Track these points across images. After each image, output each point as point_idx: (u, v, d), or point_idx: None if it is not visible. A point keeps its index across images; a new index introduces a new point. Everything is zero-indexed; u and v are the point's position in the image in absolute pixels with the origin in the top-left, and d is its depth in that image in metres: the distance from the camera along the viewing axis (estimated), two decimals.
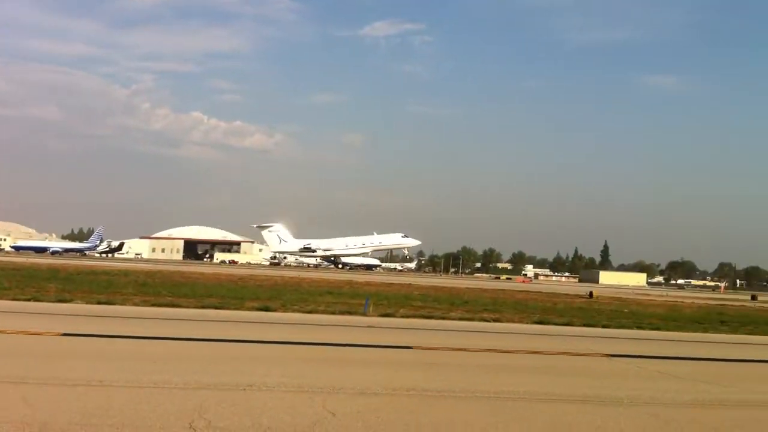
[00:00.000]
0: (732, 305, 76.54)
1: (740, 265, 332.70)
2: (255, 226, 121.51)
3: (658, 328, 38.02)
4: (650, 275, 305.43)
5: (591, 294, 78.34)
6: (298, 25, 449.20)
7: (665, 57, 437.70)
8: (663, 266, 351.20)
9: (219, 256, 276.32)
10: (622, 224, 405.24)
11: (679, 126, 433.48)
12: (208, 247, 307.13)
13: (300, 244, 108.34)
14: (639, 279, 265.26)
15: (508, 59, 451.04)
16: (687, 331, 37.75)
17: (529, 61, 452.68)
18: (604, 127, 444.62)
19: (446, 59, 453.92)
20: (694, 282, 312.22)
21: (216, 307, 34.29)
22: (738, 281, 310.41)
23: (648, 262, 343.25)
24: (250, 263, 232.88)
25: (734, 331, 39.46)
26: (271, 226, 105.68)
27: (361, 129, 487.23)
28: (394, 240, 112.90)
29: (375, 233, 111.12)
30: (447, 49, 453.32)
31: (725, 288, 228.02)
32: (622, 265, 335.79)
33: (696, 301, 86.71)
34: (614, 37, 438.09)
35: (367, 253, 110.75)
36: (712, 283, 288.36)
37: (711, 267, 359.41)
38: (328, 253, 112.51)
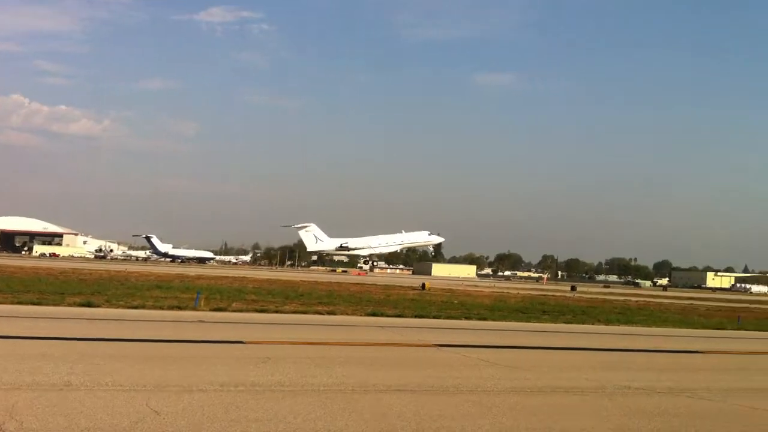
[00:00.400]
0: (553, 295, 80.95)
1: (562, 258, 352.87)
2: (287, 226, 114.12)
3: (484, 318, 39.55)
4: (480, 267, 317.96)
5: (424, 286, 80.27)
6: (130, 7, 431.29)
7: (501, 55, 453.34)
8: (492, 258, 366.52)
9: (39, 249, 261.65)
10: (455, 218, 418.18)
11: (515, 123, 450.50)
12: (26, 238, 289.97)
13: (336, 243, 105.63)
14: (469, 271, 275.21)
15: (344, 52, 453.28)
16: (511, 321, 39.54)
17: (366, 54, 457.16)
18: (438, 122, 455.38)
19: (284, 49, 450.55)
20: (519, 273, 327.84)
21: (34, 303, 32.34)
22: (559, 273, 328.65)
23: (478, 254, 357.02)
24: (72, 256, 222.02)
25: (554, 320, 41.71)
26: (307, 226, 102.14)
27: (195, 117, 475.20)
28: (420, 237, 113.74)
29: (403, 231, 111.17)
30: (286, 38, 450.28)
31: (548, 279, 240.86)
32: (454, 257, 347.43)
33: (521, 291, 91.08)
34: (451, 35, 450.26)
35: (397, 250, 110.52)
36: (536, 275, 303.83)
37: (535, 259, 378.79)
38: (363, 251, 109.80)
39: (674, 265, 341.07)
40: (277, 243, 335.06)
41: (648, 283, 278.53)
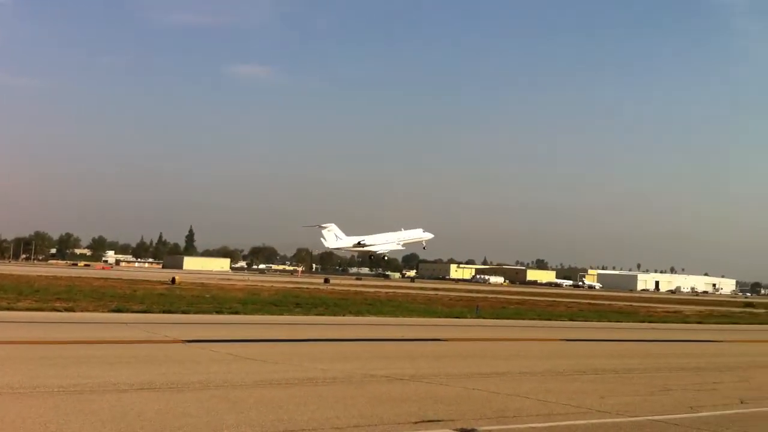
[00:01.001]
0: (307, 288, 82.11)
1: (316, 251, 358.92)
2: (310, 226, 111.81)
3: (237, 312, 39.12)
4: (234, 260, 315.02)
5: (174, 280, 78.15)
6: None
7: (256, 47, 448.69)
8: (246, 251, 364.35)
9: None
10: (207, 210, 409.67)
11: (273, 115, 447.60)
12: None
13: (353, 240, 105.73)
14: (223, 264, 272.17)
15: (87, 32, 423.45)
16: (264, 314, 39.42)
17: (109, 36, 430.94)
18: (191, 113, 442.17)
19: (22, 24, 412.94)
20: (274, 266, 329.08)
21: None
22: (314, 265, 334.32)
23: (232, 247, 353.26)
24: None
25: (307, 313, 42.18)
26: (328, 226, 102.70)
27: None
28: (416, 234, 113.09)
29: (402, 229, 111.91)
30: (26, 14, 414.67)
31: (302, 272, 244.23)
32: (207, 250, 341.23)
33: (275, 285, 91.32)
34: (203, 23, 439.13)
35: (401, 246, 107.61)
36: (291, 268, 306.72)
37: (290, 252, 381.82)
38: (374, 248, 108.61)
39: (421, 257, 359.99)
40: (10, 235, 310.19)
41: (398, 275, 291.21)
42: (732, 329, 49.50)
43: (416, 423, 12.72)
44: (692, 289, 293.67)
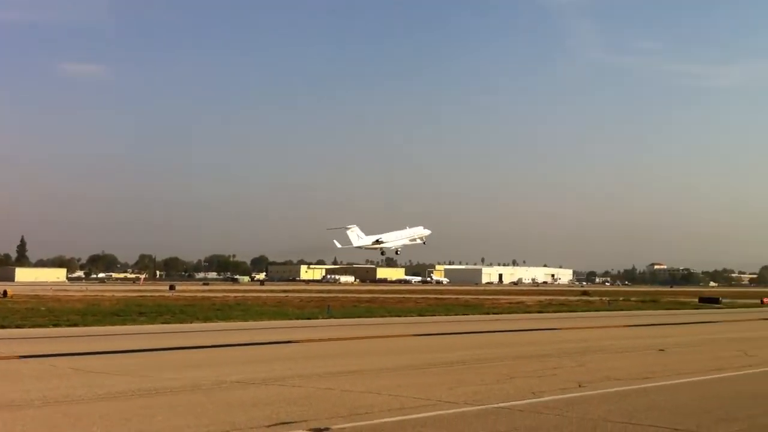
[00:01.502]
0: (152, 296, 79.46)
1: (160, 257, 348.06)
2: (335, 228, 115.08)
3: (76, 324, 37.39)
4: (71, 270, 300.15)
5: (5, 293, 73.62)
6: None
7: (90, 44, 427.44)
8: (84, 260, 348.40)
9: None
10: (39, 219, 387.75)
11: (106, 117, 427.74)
12: None
13: (372, 239, 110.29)
14: (59, 274, 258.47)
15: None
16: (106, 325, 37.83)
17: None
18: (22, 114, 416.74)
19: None
20: (115, 275, 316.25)
21: None
22: (158, 272, 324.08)
23: (68, 256, 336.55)
24: None
25: (152, 321, 40.84)
26: (351, 227, 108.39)
27: None
28: (418, 231, 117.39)
29: (407, 227, 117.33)
30: None
31: (145, 279, 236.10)
32: (41, 260, 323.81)
33: (116, 294, 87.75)
34: (34, 19, 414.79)
35: (407, 243, 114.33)
36: (134, 275, 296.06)
37: (132, 259, 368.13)
38: (388, 245, 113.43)
39: (271, 260, 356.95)
40: None
41: (246, 278, 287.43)
42: (570, 317, 52.19)
43: (270, 426, 12.60)
44: (533, 280, 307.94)
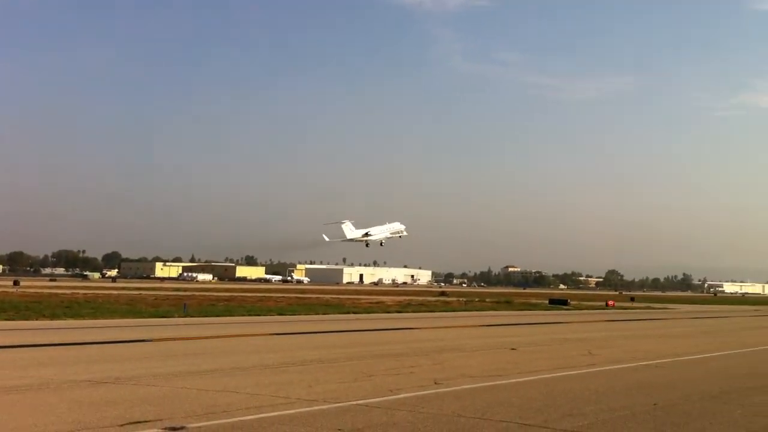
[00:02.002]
0: None
1: (3, 251, 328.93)
2: (331, 223, 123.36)
3: None
4: None
5: None
6: None
7: None
8: None
9: None
10: None
11: None
12: None
13: (362, 232, 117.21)
14: None
15: None
16: None
17: None
18: None
19: None
20: None
21: None
22: (1, 267, 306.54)
23: None
24: None
25: None
26: (344, 222, 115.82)
27: None
28: (396, 226, 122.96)
29: (387, 222, 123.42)
30: None
31: None
32: None
33: None
34: None
35: (388, 236, 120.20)
36: None
37: None
38: (374, 238, 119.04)
39: (124, 256, 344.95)
40: None
41: (97, 275, 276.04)
42: (428, 317, 53.34)
43: (122, 426, 12.23)
44: (393, 280, 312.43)
